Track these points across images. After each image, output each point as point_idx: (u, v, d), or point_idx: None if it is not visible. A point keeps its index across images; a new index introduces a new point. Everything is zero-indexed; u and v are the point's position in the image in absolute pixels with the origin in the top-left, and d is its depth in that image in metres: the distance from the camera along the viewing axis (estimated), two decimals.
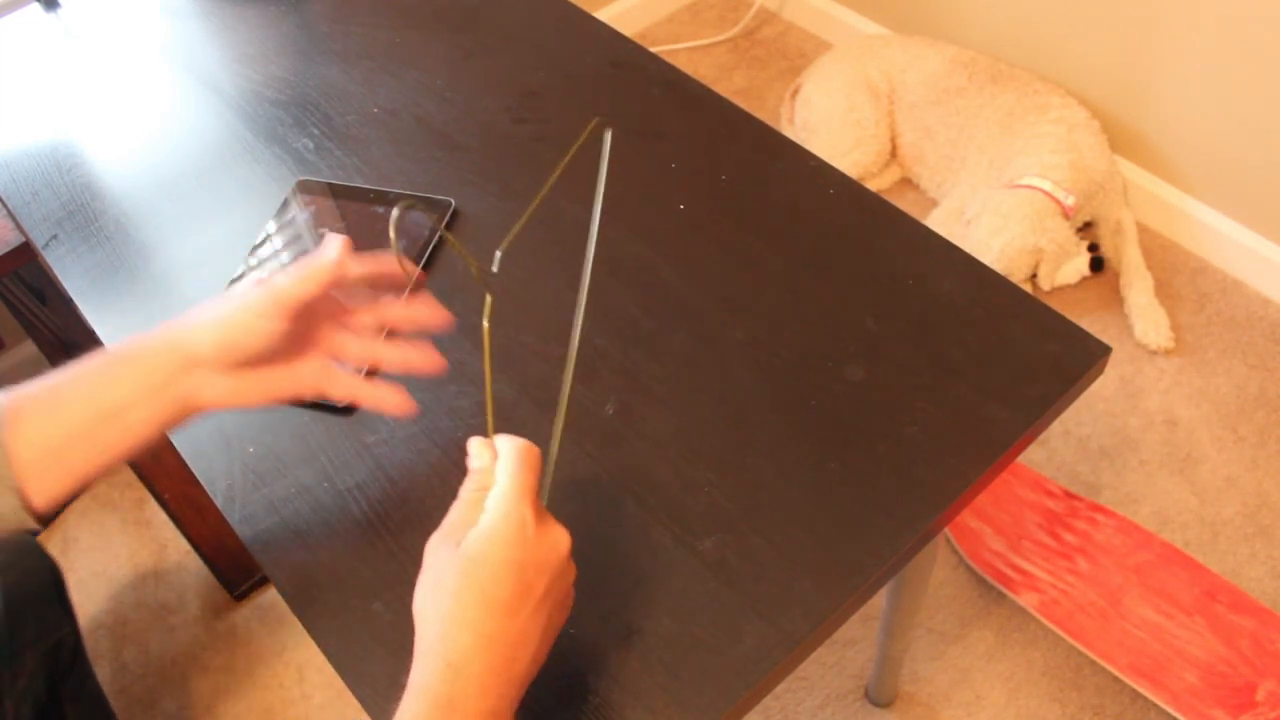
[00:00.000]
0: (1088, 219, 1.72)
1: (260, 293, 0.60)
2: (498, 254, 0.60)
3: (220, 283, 0.84)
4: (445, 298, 0.81)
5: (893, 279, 0.78)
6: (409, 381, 0.76)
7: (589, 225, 0.63)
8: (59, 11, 1.13)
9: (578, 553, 0.66)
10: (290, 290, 0.60)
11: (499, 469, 0.54)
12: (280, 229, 0.87)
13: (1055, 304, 1.32)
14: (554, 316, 0.79)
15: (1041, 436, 1.51)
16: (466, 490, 0.54)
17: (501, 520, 0.51)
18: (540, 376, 0.75)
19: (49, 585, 0.99)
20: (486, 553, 0.51)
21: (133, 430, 0.59)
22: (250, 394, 0.62)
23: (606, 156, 0.60)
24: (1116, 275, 1.67)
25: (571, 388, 0.61)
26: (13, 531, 0.58)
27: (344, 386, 0.66)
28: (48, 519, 0.60)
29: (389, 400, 0.66)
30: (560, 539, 0.53)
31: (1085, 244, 1.66)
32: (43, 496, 0.58)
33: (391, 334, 0.68)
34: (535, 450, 0.54)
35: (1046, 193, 1.57)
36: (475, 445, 0.55)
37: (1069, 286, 1.67)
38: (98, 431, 0.58)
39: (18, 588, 0.95)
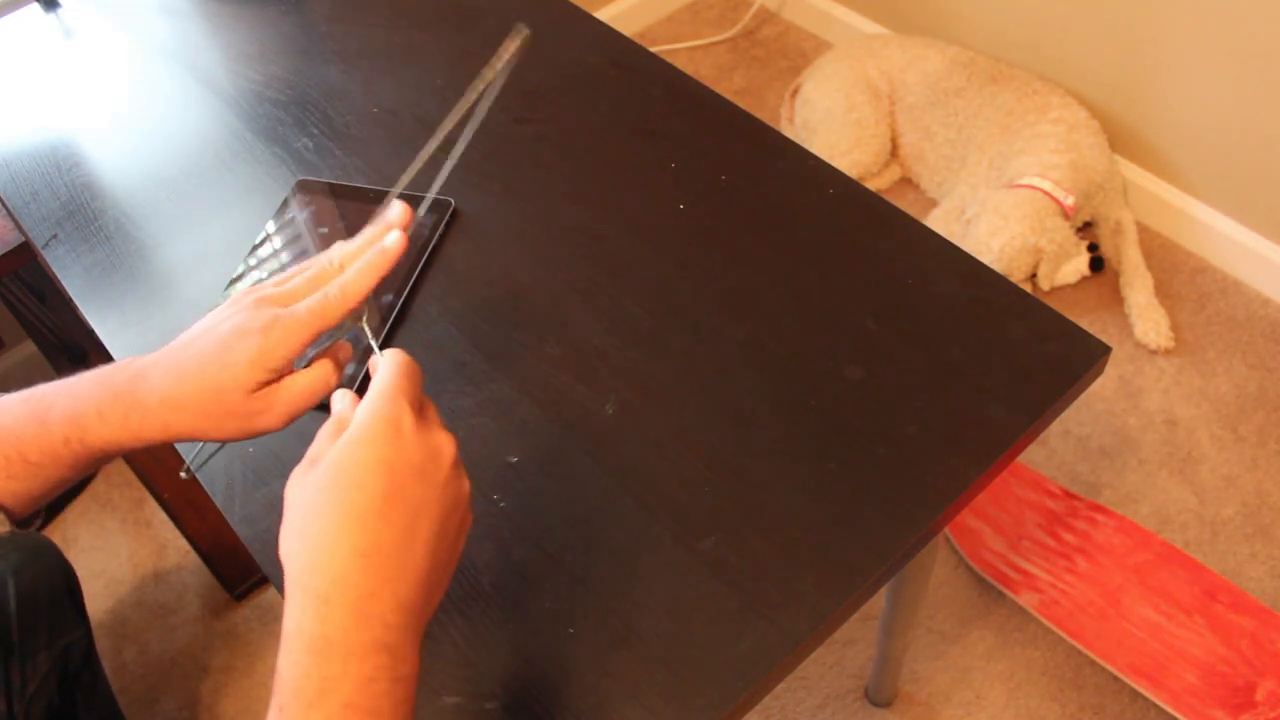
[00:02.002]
0: (1088, 219, 1.72)
1: (243, 369, 0.54)
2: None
3: (220, 282, 0.84)
4: (444, 297, 0.81)
5: (893, 279, 0.78)
6: None
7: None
8: (59, 11, 1.13)
9: (578, 552, 0.66)
10: (277, 355, 0.55)
11: (379, 373, 0.50)
12: (280, 229, 0.87)
13: (1055, 304, 1.32)
14: (554, 316, 0.79)
15: (1041, 436, 1.51)
16: (324, 426, 0.50)
17: (369, 419, 0.47)
18: (541, 376, 0.75)
19: (62, 587, 0.99)
20: (351, 456, 0.46)
21: (107, 458, 0.59)
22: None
23: (512, 55, 0.59)
24: (1116, 275, 1.67)
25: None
26: None
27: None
28: (29, 518, 0.61)
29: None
30: (443, 444, 0.48)
31: (1085, 244, 1.66)
32: (21, 508, 0.59)
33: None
34: (412, 360, 0.51)
35: (1046, 192, 1.57)
36: (336, 395, 0.52)
37: (1069, 286, 1.67)
38: (71, 471, 0.59)
39: (31, 589, 0.95)
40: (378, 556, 0.44)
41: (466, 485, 0.50)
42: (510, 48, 0.60)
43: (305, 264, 0.60)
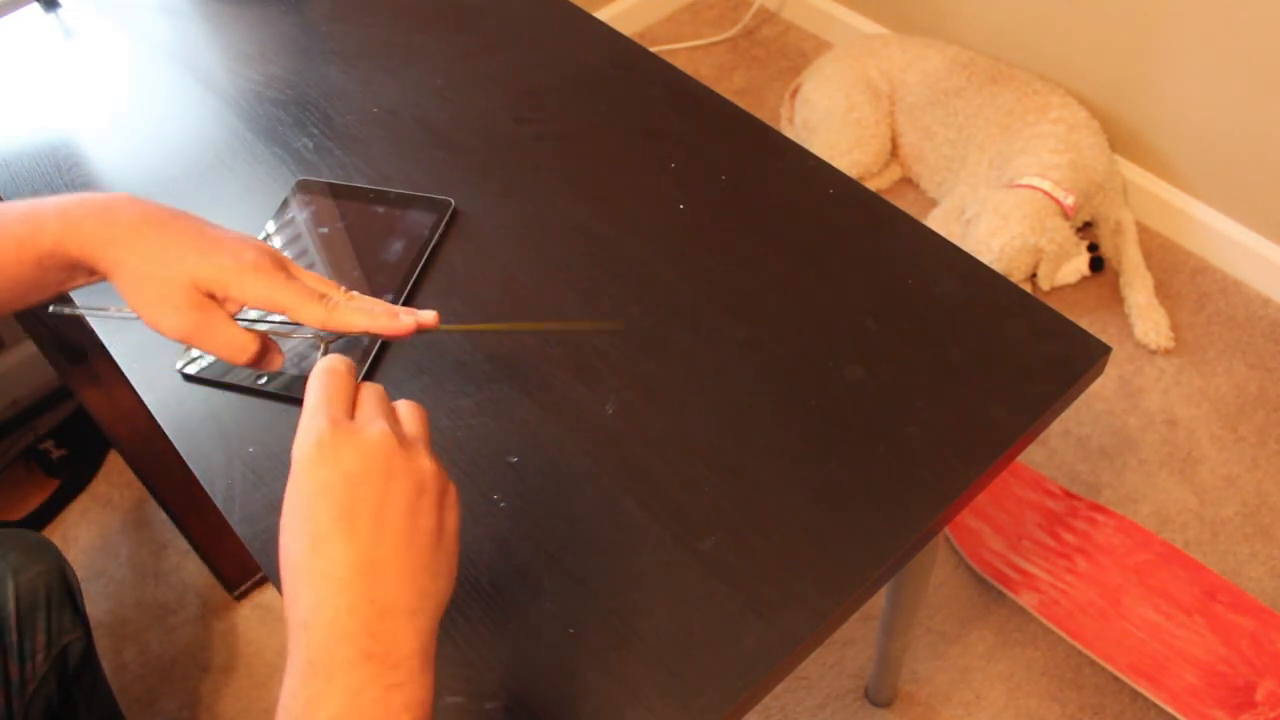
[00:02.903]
0: (1088, 219, 1.72)
1: (211, 268, 0.56)
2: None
3: None
4: (444, 296, 0.81)
5: (893, 279, 0.78)
6: (409, 381, 0.76)
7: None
8: (59, 11, 1.13)
9: (578, 552, 0.66)
10: (243, 288, 0.57)
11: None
12: (280, 229, 0.87)
13: (1055, 304, 1.32)
14: (554, 316, 0.79)
15: (1041, 436, 1.51)
16: None
17: (296, 448, 0.47)
18: (541, 376, 0.75)
19: (61, 587, 0.99)
20: (292, 491, 0.46)
21: (44, 269, 0.60)
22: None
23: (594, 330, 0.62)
24: (1116, 275, 1.67)
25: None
26: None
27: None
28: None
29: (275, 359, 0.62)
30: (376, 438, 0.47)
31: (1085, 244, 1.66)
32: None
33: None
34: (338, 363, 0.51)
35: (1046, 192, 1.57)
36: None
37: (1069, 286, 1.67)
38: (9, 283, 0.60)
39: (30, 590, 0.95)
40: (347, 573, 0.44)
41: (425, 463, 0.48)
42: (600, 325, 0.63)
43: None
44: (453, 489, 0.50)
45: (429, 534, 0.47)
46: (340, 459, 0.46)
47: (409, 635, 0.45)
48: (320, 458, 0.46)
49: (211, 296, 0.57)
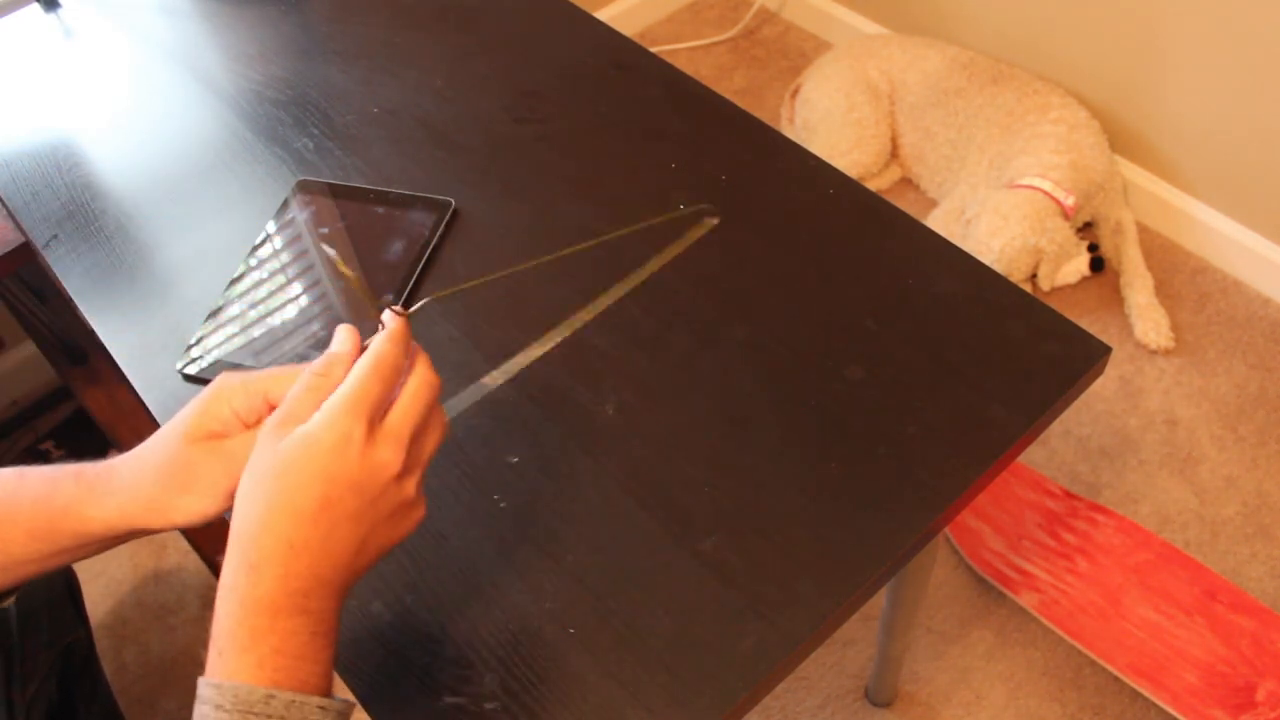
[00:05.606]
0: (1088, 219, 1.72)
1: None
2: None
3: (220, 282, 0.83)
4: (444, 297, 0.81)
5: (893, 279, 0.78)
6: None
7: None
8: (59, 11, 1.13)
9: (578, 552, 0.66)
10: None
11: (351, 372, 0.52)
12: (280, 229, 0.87)
13: (1055, 304, 1.32)
14: (554, 317, 0.79)
15: (1041, 436, 1.51)
16: (310, 374, 0.53)
17: (324, 430, 0.51)
18: (540, 376, 0.75)
19: (62, 587, 0.99)
20: (301, 460, 0.50)
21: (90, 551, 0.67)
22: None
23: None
24: (1116, 275, 1.67)
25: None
26: None
27: None
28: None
29: None
30: (384, 463, 0.51)
31: (1085, 244, 1.66)
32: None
33: None
34: (392, 362, 0.52)
35: (1046, 193, 1.57)
36: (342, 330, 0.55)
37: (1069, 286, 1.67)
38: (49, 564, 0.67)
39: (31, 590, 0.95)
40: (304, 549, 0.50)
41: (408, 491, 0.53)
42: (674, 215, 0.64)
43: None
44: (416, 514, 0.55)
45: (379, 542, 0.54)
46: (350, 465, 0.51)
47: (335, 601, 0.53)
48: (338, 454, 0.50)
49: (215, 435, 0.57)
